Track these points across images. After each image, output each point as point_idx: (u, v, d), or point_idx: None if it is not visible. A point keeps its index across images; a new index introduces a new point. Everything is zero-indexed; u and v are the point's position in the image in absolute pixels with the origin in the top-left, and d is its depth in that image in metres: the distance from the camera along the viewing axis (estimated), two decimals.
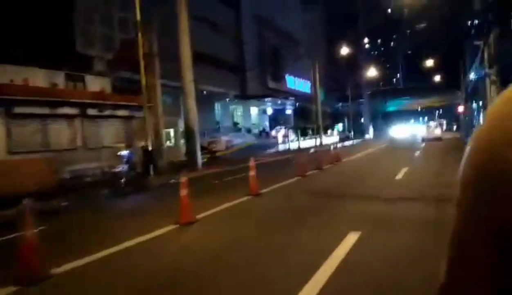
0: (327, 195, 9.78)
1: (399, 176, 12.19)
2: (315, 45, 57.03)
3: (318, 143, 35.77)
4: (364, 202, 8.60)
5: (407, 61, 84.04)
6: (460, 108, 50.43)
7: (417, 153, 21.92)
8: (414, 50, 79.86)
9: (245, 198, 9.36)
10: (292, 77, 47.79)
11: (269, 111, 50.67)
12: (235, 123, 44.10)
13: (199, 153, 18.38)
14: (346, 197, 9.20)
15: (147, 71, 15.59)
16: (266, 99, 42.88)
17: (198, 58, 32.09)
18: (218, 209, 8.21)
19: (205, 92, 31.60)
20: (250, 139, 39.42)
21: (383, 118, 70.94)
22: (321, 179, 13.20)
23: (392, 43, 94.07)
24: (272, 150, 31.34)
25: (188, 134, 18.27)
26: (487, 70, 19.58)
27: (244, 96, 37.11)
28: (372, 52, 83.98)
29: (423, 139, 34.19)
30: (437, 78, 65.18)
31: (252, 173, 9.81)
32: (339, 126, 59.84)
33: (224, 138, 34.59)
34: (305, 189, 11.05)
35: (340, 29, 64.98)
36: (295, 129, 42.40)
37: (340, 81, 65.47)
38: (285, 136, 37.13)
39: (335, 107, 69.05)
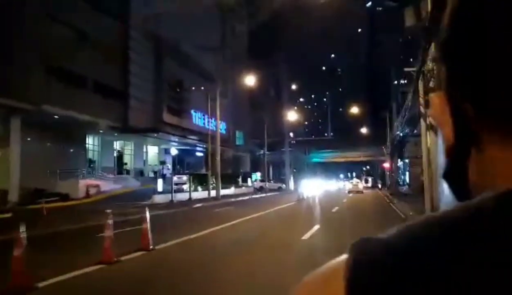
0: None
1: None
2: (235, 85, 51.19)
3: (213, 194, 27.97)
4: None
5: (333, 108, 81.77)
6: (386, 165, 46.48)
7: (336, 209, 19.74)
8: (340, 98, 77.39)
9: None
10: (200, 114, 40.43)
11: (174, 151, 42.64)
12: (122, 163, 35.24)
13: None
14: None
15: None
16: (171, 137, 34.97)
17: (54, 73, 24.96)
18: None
19: (56, 116, 22.92)
20: (132, 185, 30.75)
21: (308, 169, 65.89)
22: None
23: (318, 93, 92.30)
24: (149, 201, 23.01)
25: None
26: (422, 109, 13.55)
27: (125, 129, 28.79)
28: (298, 100, 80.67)
29: (349, 192, 39.20)
30: (364, 130, 61.66)
31: None
32: (257, 175, 52.91)
33: (84, 182, 25.63)
34: None
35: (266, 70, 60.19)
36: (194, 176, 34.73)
37: (263, 127, 59.73)
38: (182, 184, 29.16)
39: (257, 155, 62.63)
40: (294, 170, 65.39)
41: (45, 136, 24.14)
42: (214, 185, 34.42)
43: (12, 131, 20.74)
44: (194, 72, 37.53)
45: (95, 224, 11.11)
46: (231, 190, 35.99)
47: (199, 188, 29.71)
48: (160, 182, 25.72)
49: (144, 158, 40.05)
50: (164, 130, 31.11)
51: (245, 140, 55.94)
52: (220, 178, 28.80)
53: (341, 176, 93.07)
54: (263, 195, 35.48)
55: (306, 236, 10.17)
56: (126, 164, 35.57)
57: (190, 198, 26.08)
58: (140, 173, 36.15)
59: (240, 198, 29.16)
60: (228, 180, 38.01)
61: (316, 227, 11.98)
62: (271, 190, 43.87)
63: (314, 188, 43.15)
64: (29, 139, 22.49)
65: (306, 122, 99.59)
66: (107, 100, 27.07)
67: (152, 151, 41.93)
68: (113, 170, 33.43)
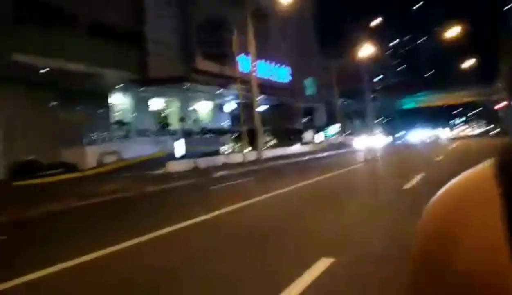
0: None
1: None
2: (300, 21, 42.69)
3: (266, 154, 21.53)
4: None
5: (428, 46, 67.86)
6: (502, 104, 35.24)
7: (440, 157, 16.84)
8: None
9: None
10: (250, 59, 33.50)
11: (229, 107, 36.84)
12: (164, 124, 30.36)
13: None
14: None
15: None
16: (223, 90, 29.10)
17: (29, 9, 17.50)
18: None
19: (42, 70, 18.09)
20: (163, 149, 25.53)
21: (400, 118, 55.75)
22: None
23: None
24: (161, 170, 17.51)
25: None
26: None
27: (144, 81, 23.33)
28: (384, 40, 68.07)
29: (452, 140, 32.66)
30: (467, 64, 48.65)
31: None
32: (334, 128, 44.76)
33: (97, 149, 21.04)
34: None
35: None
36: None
37: (340, 73, 50.71)
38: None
39: (336, 105, 53.87)
40: (383, 120, 55.71)
41: (42, 96, 19.62)
42: (269, 142, 28.05)
43: None
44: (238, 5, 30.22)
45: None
46: (294, 148, 29.23)
47: (246, 149, 23.43)
48: (180, 143, 19.94)
49: (195, 117, 34.89)
50: (194, 79, 24.91)
51: (318, 89, 47.85)
52: (257, 135, 22.04)
53: (441, 122, 79.31)
54: (333, 152, 27.90)
55: (407, 186, 8.71)
56: (167, 124, 30.60)
57: (226, 162, 20.07)
58: (188, 134, 31.00)
59: (296, 159, 22.33)
60: (289, 136, 31.23)
61: (418, 176, 10.13)
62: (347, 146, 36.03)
63: (410, 137, 38.32)
64: (12, 101, 18.11)
65: (396, 67, 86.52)
66: (115, 46, 21.61)
67: (205, 108, 36.57)
68: (152, 131, 28.70)
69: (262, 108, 41.43)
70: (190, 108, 34.07)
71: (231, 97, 34.17)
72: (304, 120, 48.06)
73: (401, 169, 13.93)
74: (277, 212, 6.91)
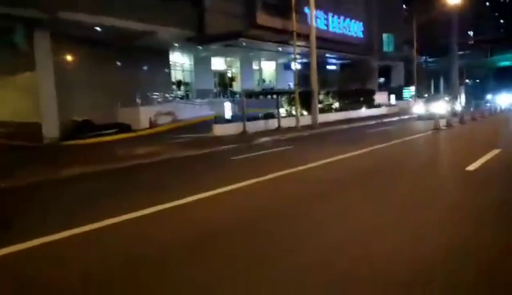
0: None
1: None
2: None
3: (321, 119, 19.77)
4: None
5: None
6: None
7: None
8: None
9: None
10: (322, 12, 30.84)
11: (295, 66, 34.76)
12: (224, 84, 29.59)
13: None
14: None
15: None
16: (283, 48, 27.43)
17: None
18: None
19: (99, 28, 17.98)
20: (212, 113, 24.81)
21: (495, 80, 49.03)
22: None
23: None
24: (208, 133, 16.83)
25: None
26: None
27: (201, 38, 22.34)
28: None
29: None
30: None
31: None
32: (411, 89, 40.45)
33: (152, 109, 20.98)
34: None
35: None
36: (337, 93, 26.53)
37: (422, 28, 45.27)
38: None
39: (420, 62, 48.54)
40: (469, 82, 49.40)
41: (100, 55, 19.66)
42: (332, 104, 25.92)
43: (37, 48, 16.64)
44: None
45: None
46: (360, 112, 26.81)
47: (305, 112, 21.74)
48: (228, 106, 18.82)
49: (259, 77, 33.63)
50: (252, 35, 23.26)
51: (397, 46, 43.30)
52: (314, 97, 20.06)
53: None
54: (405, 117, 24.92)
55: (471, 167, 6.57)
56: (227, 85, 29.77)
57: (279, 126, 18.74)
58: (249, 95, 29.95)
59: (357, 124, 20.22)
60: (358, 98, 28.63)
61: (493, 153, 7.99)
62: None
63: (503, 101, 33.64)
64: (70, 59, 18.35)
65: (494, 21, 75.64)
66: (170, 1, 20.76)
67: (268, 68, 35.06)
68: (212, 92, 28.13)
69: (332, 67, 38.91)
70: (254, 68, 32.83)
71: (298, 55, 32.15)
72: (380, 80, 44.27)
73: (473, 142, 11.53)
74: (264, 201, 5.56)
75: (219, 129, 16.88)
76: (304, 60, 32.07)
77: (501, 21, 78.99)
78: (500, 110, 29.35)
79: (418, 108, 22.92)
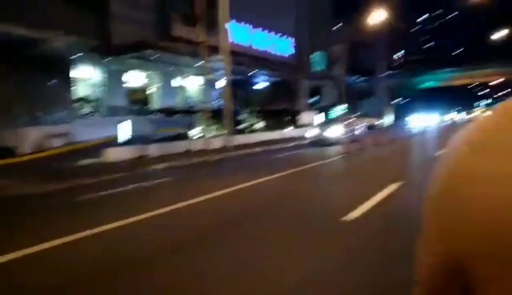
0: None
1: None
2: None
3: (244, 140, 17.90)
4: None
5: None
6: None
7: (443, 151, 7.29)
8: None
9: None
10: (246, 25, 29.64)
11: (221, 83, 33.12)
12: (138, 101, 27.06)
13: None
14: None
15: None
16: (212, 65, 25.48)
17: None
18: None
19: None
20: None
21: (418, 99, 50.53)
22: None
23: None
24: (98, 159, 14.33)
25: None
26: None
27: (107, 49, 19.92)
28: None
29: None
30: (501, 34, 42.73)
31: None
32: (340, 109, 40.33)
33: (40, 129, 18.09)
34: None
35: None
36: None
37: (360, 48, 45.95)
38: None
39: (349, 82, 48.97)
40: (398, 101, 50.76)
41: None
42: (255, 125, 24.45)
43: None
44: None
45: None
46: (282, 132, 25.52)
47: (214, 131, 19.94)
48: (125, 126, 16.49)
49: (183, 94, 31.49)
50: (167, 48, 21.14)
51: (328, 65, 43.32)
52: (228, 116, 18.39)
53: (466, 104, 72.68)
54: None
55: (354, 212, 5.06)
56: (144, 102, 27.32)
57: (189, 149, 16.69)
58: (169, 113, 27.70)
59: (274, 147, 18.73)
60: (283, 118, 27.47)
61: (391, 187, 6.56)
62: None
63: (422, 121, 33.36)
64: None
65: (422, 43, 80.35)
66: (67, 6, 18.23)
67: (195, 84, 33.07)
68: (126, 110, 25.50)
69: (261, 85, 37.71)
70: (175, 85, 30.68)
71: (222, 72, 30.54)
72: (312, 99, 43.84)
73: (376, 171, 9.95)
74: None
75: (112, 154, 14.52)
76: (239, 77, 30.61)
77: (427, 45, 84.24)
78: (419, 132, 29.16)
79: (312, 132, 19.23)
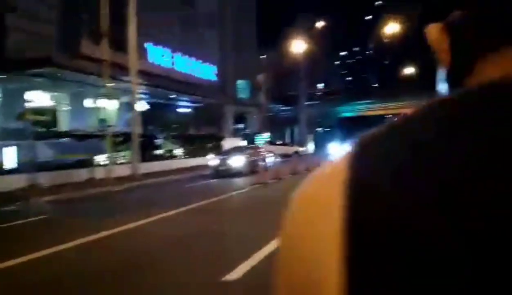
0: None
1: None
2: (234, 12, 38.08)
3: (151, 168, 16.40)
4: None
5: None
6: None
7: None
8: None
9: None
10: (168, 51, 28.61)
11: (141, 106, 31.31)
12: (44, 124, 24.38)
13: None
14: None
15: None
16: (117, 84, 23.58)
17: None
18: None
19: None
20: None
21: (337, 128, 52.24)
22: None
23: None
24: None
25: None
26: None
27: (1, 65, 17.59)
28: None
29: None
30: (411, 70, 46.45)
31: None
32: (264, 136, 40.39)
33: None
34: None
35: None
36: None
37: (283, 77, 46.90)
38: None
39: (274, 109, 49.57)
40: (321, 130, 52.46)
41: None
42: (172, 151, 23.10)
43: None
44: None
45: None
46: (205, 159, 24.38)
47: (124, 157, 18.35)
48: (11, 150, 14.42)
49: (98, 116, 29.15)
50: (72, 66, 19.31)
51: (252, 93, 43.45)
52: (134, 142, 17.01)
53: None
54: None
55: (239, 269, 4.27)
56: (50, 124, 24.67)
57: (91, 178, 14.88)
58: (78, 136, 25.25)
59: (186, 176, 17.56)
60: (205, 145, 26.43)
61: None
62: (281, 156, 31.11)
63: (339, 149, 32.82)
64: None
65: (343, 76, 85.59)
66: None
67: (111, 107, 30.86)
68: (27, 133, 22.71)
69: (184, 110, 36.47)
70: (88, 106, 28.34)
71: (141, 95, 28.82)
72: (238, 126, 43.44)
73: (271, 215, 8.91)
74: None
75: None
76: (160, 100, 29.06)
77: (348, 78, 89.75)
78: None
79: (215, 161, 18.10)
